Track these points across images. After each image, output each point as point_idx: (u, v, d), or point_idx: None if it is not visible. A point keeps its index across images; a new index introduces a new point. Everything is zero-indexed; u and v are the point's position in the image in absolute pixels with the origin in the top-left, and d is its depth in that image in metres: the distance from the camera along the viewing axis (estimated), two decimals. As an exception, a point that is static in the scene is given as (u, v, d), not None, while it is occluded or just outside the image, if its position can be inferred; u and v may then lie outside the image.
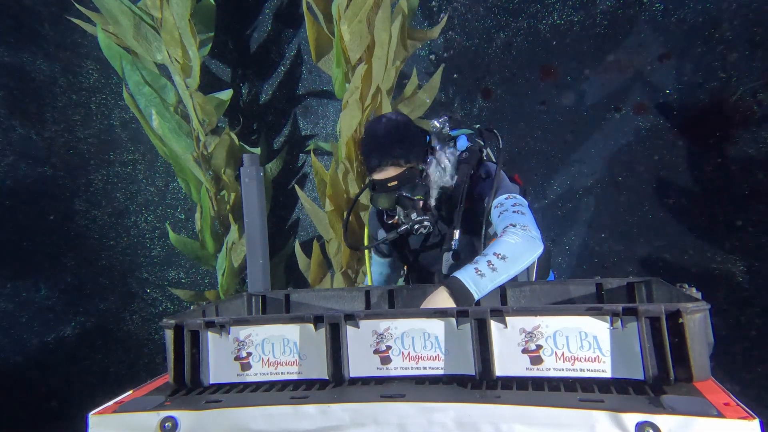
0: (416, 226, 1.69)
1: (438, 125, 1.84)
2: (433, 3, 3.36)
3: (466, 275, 1.39)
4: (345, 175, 2.99)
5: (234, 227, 3.25)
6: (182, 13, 2.94)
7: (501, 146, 1.90)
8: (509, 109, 3.32)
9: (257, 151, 3.28)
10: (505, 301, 1.58)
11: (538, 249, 1.49)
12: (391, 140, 1.66)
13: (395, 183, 1.66)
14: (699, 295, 1.17)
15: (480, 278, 1.39)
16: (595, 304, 1.45)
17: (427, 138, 1.78)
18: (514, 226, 1.52)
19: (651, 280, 1.49)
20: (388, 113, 1.77)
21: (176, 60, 3.05)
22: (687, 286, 1.26)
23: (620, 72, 3.16)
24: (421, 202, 1.70)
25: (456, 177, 1.77)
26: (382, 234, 1.94)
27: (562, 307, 1.05)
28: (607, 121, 3.21)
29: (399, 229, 1.73)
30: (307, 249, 3.24)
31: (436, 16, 3.33)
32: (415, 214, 1.68)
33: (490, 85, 3.33)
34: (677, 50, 3.07)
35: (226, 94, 3.18)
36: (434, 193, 1.74)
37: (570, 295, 1.54)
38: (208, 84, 3.50)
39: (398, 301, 1.68)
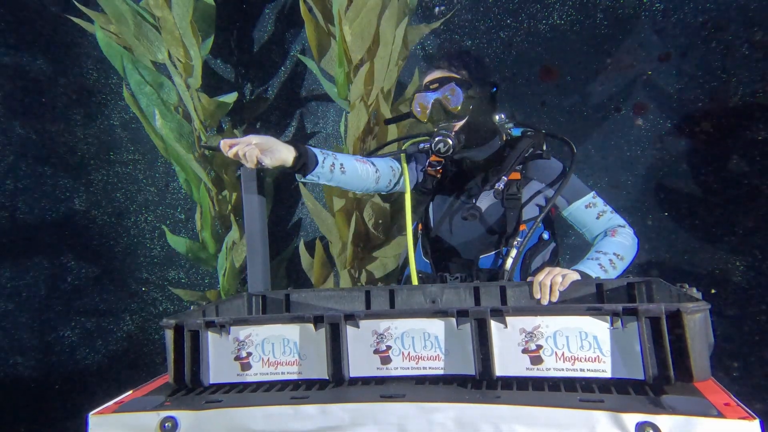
0: (437, 138, 1.65)
1: (504, 118, 1.83)
2: (434, 2, 3.36)
3: (590, 270, 1.50)
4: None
5: (235, 227, 3.25)
6: (183, 12, 2.95)
7: (575, 151, 1.85)
8: (509, 109, 3.31)
9: (258, 151, 3.28)
10: (505, 300, 1.58)
11: (635, 256, 1.62)
12: (453, 53, 1.72)
13: (436, 85, 1.66)
14: (699, 295, 1.17)
15: (604, 273, 1.51)
16: (595, 304, 1.45)
17: (494, 89, 1.77)
18: (624, 227, 1.64)
19: (651, 280, 1.49)
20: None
21: (178, 59, 3.06)
22: (687, 286, 1.26)
23: (620, 72, 3.16)
24: (457, 125, 1.69)
25: (512, 149, 1.77)
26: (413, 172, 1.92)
27: (562, 307, 1.05)
28: (607, 121, 3.21)
29: (421, 145, 1.75)
30: (309, 249, 3.24)
31: (432, 12, 3.33)
32: (445, 131, 1.66)
33: (490, 85, 3.33)
34: (677, 50, 3.07)
35: (230, 98, 3.18)
36: (472, 124, 1.71)
37: (570, 295, 1.54)
38: (210, 84, 3.50)
39: (398, 301, 1.68)
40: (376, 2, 2.73)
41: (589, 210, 1.68)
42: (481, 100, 1.72)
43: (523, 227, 1.74)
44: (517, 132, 1.89)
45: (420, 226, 1.97)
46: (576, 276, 1.46)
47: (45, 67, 3.50)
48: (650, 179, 3.15)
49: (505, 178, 1.71)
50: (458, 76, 1.68)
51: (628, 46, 3.14)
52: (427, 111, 1.69)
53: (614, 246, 1.56)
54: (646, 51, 3.12)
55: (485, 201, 1.76)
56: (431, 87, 1.67)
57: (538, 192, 1.77)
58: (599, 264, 1.51)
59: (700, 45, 3.02)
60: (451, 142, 1.65)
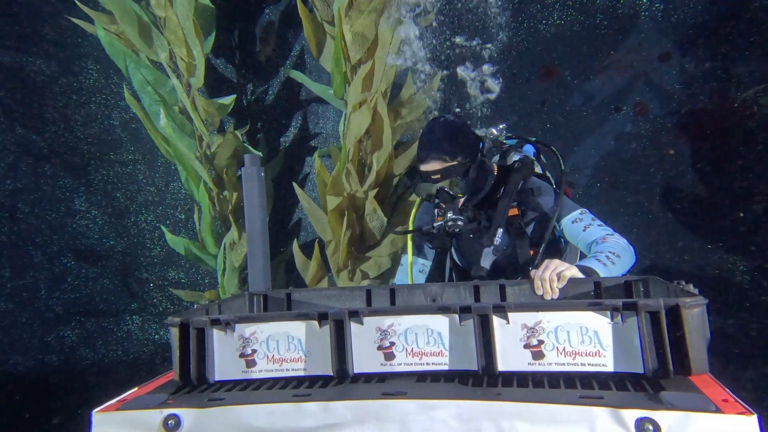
0: (449, 224, 1.76)
1: (496, 132, 1.96)
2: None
3: (588, 262, 1.52)
4: (347, 176, 3.00)
5: (234, 227, 3.26)
6: (186, 12, 2.96)
7: (563, 166, 1.96)
8: (509, 109, 3.33)
9: (258, 153, 3.30)
10: (505, 298, 1.59)
11: (634, 258, 1.62)
12: (443, 137, 1.76)
13: (438, 177, 1.74)
14: (696, 291, 1.18)
15: (603, 266, 1.52)
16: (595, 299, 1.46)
17: (481, 144, 1.84)
18: (612, 235, 1.66)
19: (648, 278, 1.50)
20: (448, 115, 1.86)
21: (181, 59, 3.07)
22: (684, 283, 1.27)
23: (620, 72, 3.17)
24: (460, 201, 1.79)
25: (504, 186, 1.85)
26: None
27: (564, 302, 1.06)
28: (607, 121, 3.22)
29: (435, 224, 1.81)
30: (307, 251, 3.25)
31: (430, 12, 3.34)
32: (451, 212, 1.76)
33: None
34: (677, 50, 3.08)
35: (229, 100, 3.20)
36: (476, 195, 1.82)
37: (569, 293, 1.55)
38: (212, 83, 3.51)
39: (399, 300, 1.68)
40: (379, 2, 2.75)
41: (576, 224, 1.76)
42: (476, 167, 1.80)
43: (533, 251, 1.84)
44: (527, 150, 1.97)
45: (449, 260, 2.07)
46: (574, 272, 1.49)
47: (45, 67, 3.50)
48: (650, 178, 3.16)
49: (500, 236, 1.79)
50: (456, 163, 1.75)
51: (628, 46, 3.15)
52: (433, 195, 1.83)
53: (607, 247, 1.61)
54: (646, 51, 3.13)
55: (485, 257, 1.85)
56: (433, 177, 1.76)
57: (537, 217, 1.87)
58: (597, 259, 1.55)
59: (700, 45, 3.04)
60: (461, 224, 1.77)
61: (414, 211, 2.05)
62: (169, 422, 1.01)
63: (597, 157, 3.24)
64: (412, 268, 2.07)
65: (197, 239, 3.40)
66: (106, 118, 3.60)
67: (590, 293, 1.54)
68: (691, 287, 1.21)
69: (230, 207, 3.33)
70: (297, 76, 3.37)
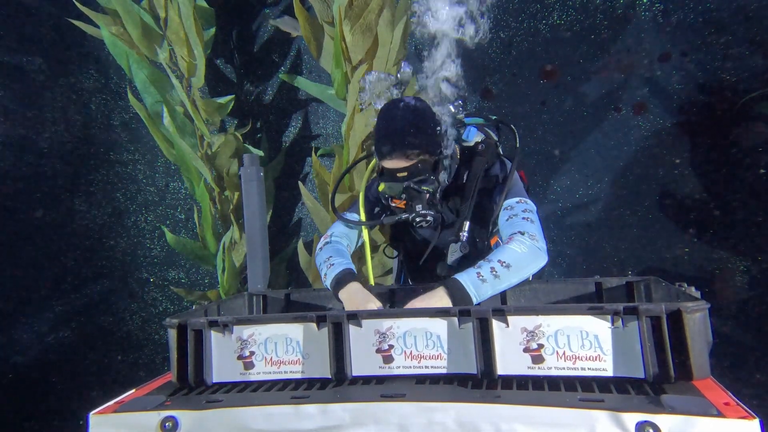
0: (418, 219, 1.62)
1: (453, 110, 1.75)
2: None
3: (467, 278, 1.39)
4: (352, 175, 2.99)
5: (234, 227, 3.26)
6: (187, 12, 2.96)
7: (518, 145, 1.82)
8: (509, 109, 3.32)
9: (260, 152, 3.30)
10: (505, 300, 1.58)
11: (543, 261, 1.48)
12: (406, 129, 1.56)
13: (405, 174, 1.58)
14: (698, 294, 1.17)
15: (481, 283, 1.38)
16: (595, 303, 1.45)
17: (444, 128, 1.68)
18: (523, 234, 1.49)
19: (650, 279, 1.49)
20: (407, 98, 1.66)
21: (182, 58, 3.07)
22: (686, 285, 1.26)
23: (620, 72, 3.17)
24: (428, 194, 1.64)
25: (468, 171, 1.71)
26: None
27: (564, 306, 1.06)
28: (607, 121, 3.21)
29: (400, 216, 1.66)
30: (308, 249, 3.25)
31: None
32: (420, 206, 1.61)
33: (490, 85, 3.34)
34: (677, 50, 3.07)
35: (227, 99, 3.20)
36: (443, 184, 1.67)
37: (570, 294, 1.55)
38: (212, 84, 3.51)
39: (398, 301, 1.68)
40: (378, 3, 2.74)
41: (504, 212, 1.61)
42: (440, 158, 1.65)
43: (495, 240, 1.71)
44: (467, 135, 1.86)
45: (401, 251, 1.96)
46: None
47: (45, 67, 3.50)
48: (650, 178, 3.16)
49: (467, 230, 1.66)
50: (423, 158, 1.58)
51: (628, 46, 3.15)
52: (400, 193, 1.64)
53: (502, 254, 1.46)
54: (646, 51, 3.12)
55: (452, 255, 1.70)
56: (399, 175, 1.59)
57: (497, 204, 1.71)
58: (478, 272, 1.41)
59: (700, 45, 3.03)
60: (431, 219, 1.63)
61: (362, 197, 1.86)
62: (167, 424, 1.01)
63: (597, 157, 3.23)
64: (342, 233, 1.84)
65: (197, 239, 3.40)
66: (106, 118, 3.60)
67: (591, 294, 1.54)
68: (693, 290, 1.20)
69: (231, 207, 3.33)
70: (296, 81, 3.36)
